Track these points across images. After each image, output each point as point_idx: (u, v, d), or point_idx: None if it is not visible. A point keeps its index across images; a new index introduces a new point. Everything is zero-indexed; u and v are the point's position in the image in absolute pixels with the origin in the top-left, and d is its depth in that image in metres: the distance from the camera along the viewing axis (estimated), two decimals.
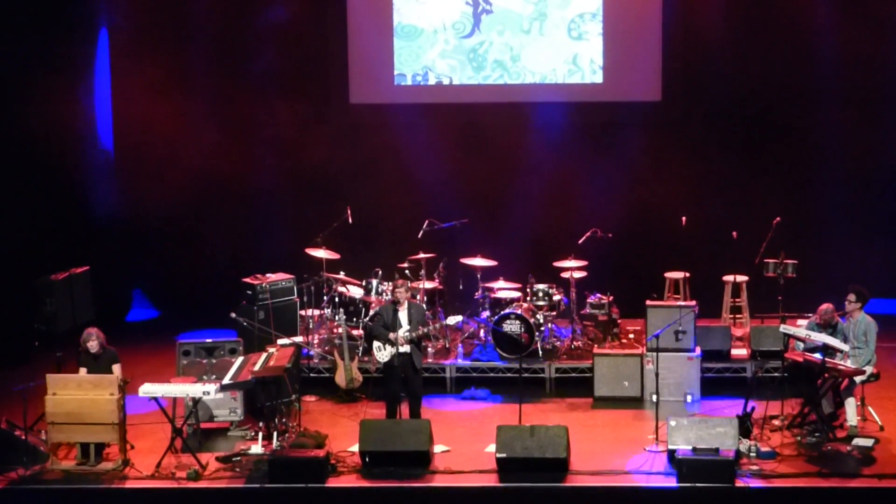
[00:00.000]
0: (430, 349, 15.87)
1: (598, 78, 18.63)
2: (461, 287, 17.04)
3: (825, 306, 14.05)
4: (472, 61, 18.71)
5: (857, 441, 13.58)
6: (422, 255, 16.52)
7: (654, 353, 14.30)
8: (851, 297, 14.02)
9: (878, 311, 15.24)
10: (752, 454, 13.17)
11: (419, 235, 16.55)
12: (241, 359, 14.28)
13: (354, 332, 15.95)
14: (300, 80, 18.76)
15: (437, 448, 13.56)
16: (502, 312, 15.78)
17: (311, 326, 16.32)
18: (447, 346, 16.26)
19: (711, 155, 18.42)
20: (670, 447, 13.04)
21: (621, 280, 16.89)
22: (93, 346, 13.61)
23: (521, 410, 13.67)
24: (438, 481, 12.93)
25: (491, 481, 12.91)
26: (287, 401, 14.08)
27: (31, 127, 17.06)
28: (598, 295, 16.30)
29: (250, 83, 18.62)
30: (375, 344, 13.99)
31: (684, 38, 18.30)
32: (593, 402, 15.24)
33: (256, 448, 13.58)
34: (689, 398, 15.04)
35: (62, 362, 14.79)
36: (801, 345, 13.99)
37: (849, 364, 13.70)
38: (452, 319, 14.43)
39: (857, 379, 13.80)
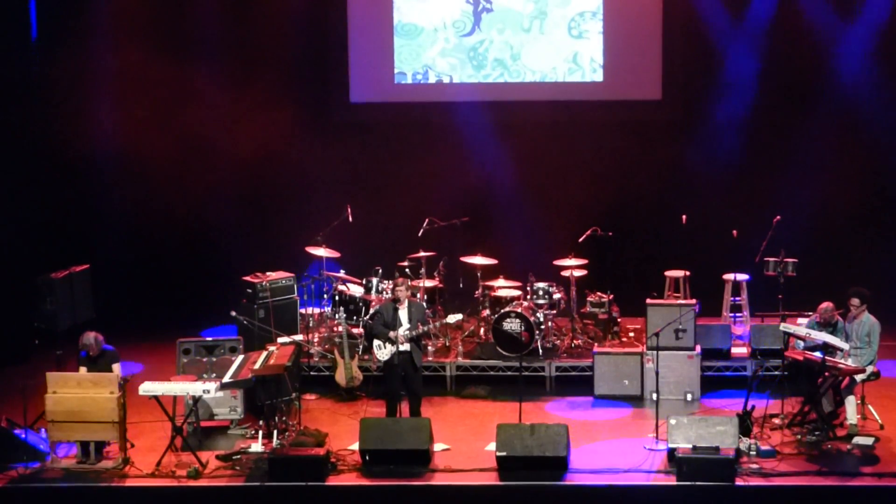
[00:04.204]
0: (430, 348, 15.86)
1: (599, 76, 18.62)
2: (461, 285, 17.02)
3: (825, 304, 14.04)
4: (473, 60, 18.70)
5: (858, 440, 13.57)
6: (422, 254, 16.51)
7: (655, 352, 14.30)
8: (856, 301, 13.94)
9: None
10: (752, 453, 13.16)
11: (419, 234, 16.54)
12: (241, 357, 14.29)
13: (354, 331, 15.94)
14: (300, 79, 18.75)
15: (437, 446, 13.55)
16: (502, 311, 15.80)
17: (310, 325, 16.33)
18: (447, 344, 16.26)
19: (711, 153, 18.40)
20: (670, 445, 13.05)
21: (621, 279, 16.87)
22: (92, 350, 13.59)
23: (521, 409, 13.66)
24: (438, 480, 12.93)
25: (491, 480, 12.91)
26: (287, 399, 14.08)
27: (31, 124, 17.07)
28: (599, 293, 16.30)
29: (251, 82, 18.59)
30: (375, 342, 13.99)
31: (684, 38, 18.29)
32: (593, 400, 15.25)
33: (256, 446, 13.57)
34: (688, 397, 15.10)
35: (62, 361, 14.78)
36: (802, 343, 13.98)
37: (849, 363, 13.69)
38: (452, 318, 14.43)
39: (858, 377, 13.79)
